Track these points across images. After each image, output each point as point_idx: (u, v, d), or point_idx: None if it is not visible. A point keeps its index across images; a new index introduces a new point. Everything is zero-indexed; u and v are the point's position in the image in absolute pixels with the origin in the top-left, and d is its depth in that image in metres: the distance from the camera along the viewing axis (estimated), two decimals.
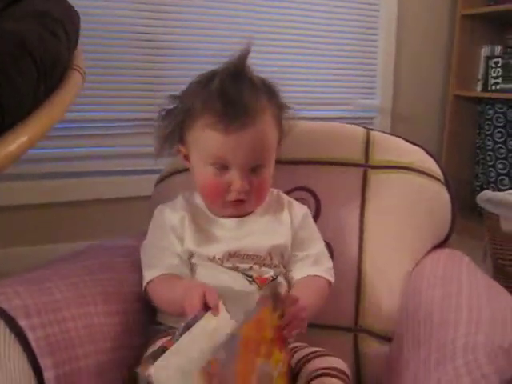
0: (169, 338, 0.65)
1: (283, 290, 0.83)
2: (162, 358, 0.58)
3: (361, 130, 1.08)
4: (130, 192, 1.95)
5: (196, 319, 0.64)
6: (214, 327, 0.64)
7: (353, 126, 1.11)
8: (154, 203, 0.98)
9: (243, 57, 0.81)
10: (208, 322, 0.64)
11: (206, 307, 0.68)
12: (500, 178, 2.51)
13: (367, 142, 1.06)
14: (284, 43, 2.26)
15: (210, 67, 0.85)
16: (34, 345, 0.65)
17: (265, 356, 0.65)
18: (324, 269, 0.90)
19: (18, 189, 1.82)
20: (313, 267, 0.89)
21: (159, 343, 0.71)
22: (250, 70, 0.82)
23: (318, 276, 0.88)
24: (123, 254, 0.92)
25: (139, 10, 1.97)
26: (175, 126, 0.86)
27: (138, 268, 0.88)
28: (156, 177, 1.14)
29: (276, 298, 0.69)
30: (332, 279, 0.89)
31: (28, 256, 1.61)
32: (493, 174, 2.54)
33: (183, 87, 0.88)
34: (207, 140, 0.80)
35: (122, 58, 1.97)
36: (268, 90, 0.85)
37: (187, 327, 0.62)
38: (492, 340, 0.60)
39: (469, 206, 2.36)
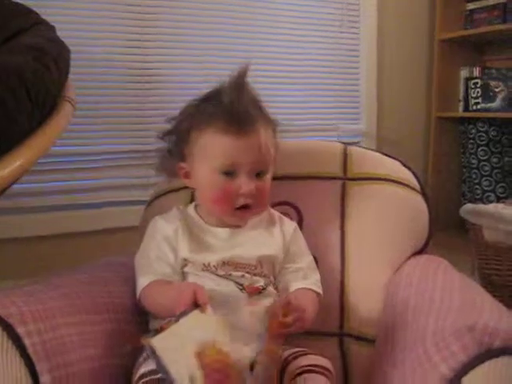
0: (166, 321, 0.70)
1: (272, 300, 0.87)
2: (161, 334, 0.66)
3: (338, 146, 1.13)
4: (121, 223, 1.95)
5: (185, 313, 0.69)
6: (201, 323, 0.69)
7: (330, 142, 1.17)
8: (145, 220, 1.03)
9: (243, 73, 0.88)
10: (195, 318, 0.69)
11: (196, 305, 0.72)
12: (486, 194, 2.57)
13: (345, 156, 1.10)
14: (270, 73, 2.32)
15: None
16: (30, 350, 0.68)
17: None
18: (313, 281, 0.94)
19: (5, 222, 1.84)
20: (304, 280, 0.93)
21: None
22: (251, 85, 0.89)
23: (308, 289, 0.92)
24: (114, 270, 0.96)
25: (128, 46, 2.03)
26: (175, 144, 0.92)
27: (128, 282, 0.92)
28: (143, 207, 1.17)
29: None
30: (321, 291, 0.93)
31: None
32: (479, 191, 2.60)
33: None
34: (219, 145, 0.85)
35: (109, 93, 2.01)
36: (263, 108, 0.92)
37: (178, 319, 0.68)
38: (459, 321, 0.64)
39: (456, 223, 2.40)
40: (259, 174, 0.88)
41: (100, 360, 0.78)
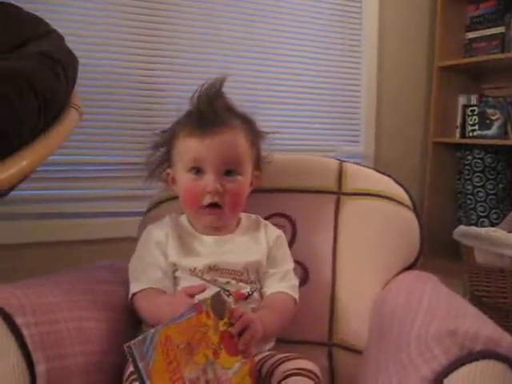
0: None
1: (231, 301, 0.87)
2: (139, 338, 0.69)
3: (334, 162, 1.15)
4: (115, 233, 1.97)
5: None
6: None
7: (326, 158, 1.19)
8: (143, 228, 1.06)
9: (219, 83, 0.95)
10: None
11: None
12: (481, 220, 2.60)
13: (340, 172, 1.13)
14: (270, 93, 2.36)
15: None
16: (28, 340, 0.70)
17: (208, 357, 0.72)
18: (289, 285, 0.96)
19: (10, 228, 1.86)
20: (280, 283, 0.96)
21: None
22: (225, 95, 0.96)
23: (284, 292, 0.95)
24: (111, 271, 0.99)
25: (133, 60, 2.06)
26: (164, 152, 0.99)
27: (124, 283, 0.95)
28: (139, 218, 1.20)
29: (219, 307, 0.76)
30: (296, 296, 0.96)
31: None
32: (474, 217, 2.63)
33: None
34: (186, 147, 0.92)
35: (110, 105, 2.04)
36: (243, 116, 0.96)
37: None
38: (442, 327, 0.66)
39: (451, 248, 2.41)
40: (229, 174, 0.91)
41: (95, 356, 0.80)
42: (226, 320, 0.76)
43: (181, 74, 2.17)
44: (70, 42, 1.33)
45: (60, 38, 1.27)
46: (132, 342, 0.67)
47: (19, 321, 0.71)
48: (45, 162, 1.78)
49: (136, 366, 0.67)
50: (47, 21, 1.36)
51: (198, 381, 0.69)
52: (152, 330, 0.69)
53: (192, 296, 0.78)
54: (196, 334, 0.72)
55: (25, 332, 0.71)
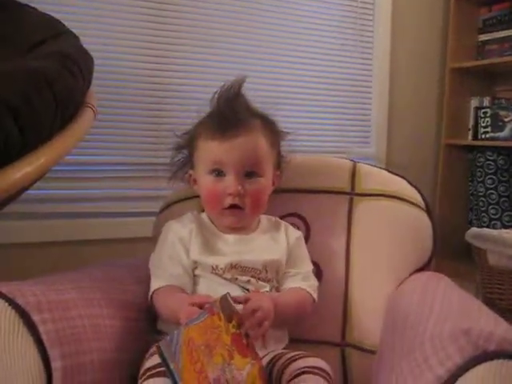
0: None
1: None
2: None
3: (348, 162, 1.16)
4: (131, 233, 1.99)
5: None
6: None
7: (340, 159, 1.20)
8: (158, 227, 1.07)
9: (238, 84, 0.95)
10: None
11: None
12: (493, 222, 2.58)
13: (353, 173, 1.13)
14: (282, 94, 2.35)
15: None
16: (44, 337, 0.71)
17: (224, 358, 0.72)
18: (310, 285, 0.97)
19: (23, 227, 1.87)
20: (301, 282, 0.97)
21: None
22: (244, 95, 0.96)
23: (304, 289, 0.96)
24: (128, 269, 1.00)
25: (148, 62, 2.06)
26: (185, 154, 1.01)
27: (140, 282, 0.96)
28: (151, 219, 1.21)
29: (227, 310, 0.77)
30: (315, 296, 0.97)
31: None
32: (485, 219, 2.61)
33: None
34: (207, 149, 0.93)
35: (127, 106, 2.05)
36: (263, 117, 0.97)
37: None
38: (456, 326, 0.66)
39: (463, 250, 2.40)
40: (250, 176, 0.92)
41: (110, 353, 0.81)
42: (233, 323, 0.77)
43: (195, 74, 2.17)
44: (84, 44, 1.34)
45: (75, 38, 1.28)
46: (160, 342, 0.68)
47: (35, 317, 0.72)
48: (61, 163, 1.84)
49: (168, 367, 0.67)
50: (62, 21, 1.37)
51: (219, 381, 0.70)
52: (176, 331, 0.70)
53: (198, 305, 0.78)
54: (212, 335, 0.73)
55: (41, 329, 0.71)
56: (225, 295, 0.78)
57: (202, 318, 0.73)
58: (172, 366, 0.67)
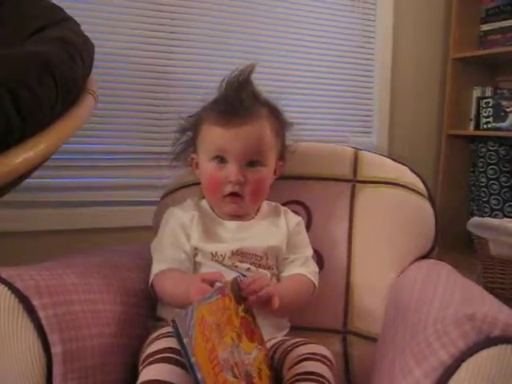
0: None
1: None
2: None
3: (349, 149, 1.15)
4: (132, 222, 1.99)
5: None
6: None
7: (342, 146, 1.19)
8: (158, 214, 1.07)
9: (248, 71, 0.94)
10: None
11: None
12: (494, 213, 2.57)
13: (355, 160, 1.13)
14: (283, 83, 2.34)
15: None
16: (44, 322, 0.70)
17: (234, 339, 0.72)
18: (310, 271, 0.97)
19: (22, 216, 1.88)
20: (301, 268, 0.96)
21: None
22: (253, 83, 0.95)
23: (304, 275, 0.95)
24: (128, 255, 1.00)
25: (149, 50, 2.06)
26: (189, 136, 1.00)
27: (140, 268, 0.95)
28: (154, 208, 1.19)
29: (237, 293, 0.76)
30: (316, 282, 0.96)
31: None
32: (487, 210, 2.60)
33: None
34: (211, 135, 0.92)
35: (128, 95, 2.04)
36: (270, 105, 0.96)
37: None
38: (459, 312, 0.65)
39: (464, 241, 2.40)
40: (252, 165, 0.92)
41: (110, 338, 0.80)
42: (242, 307, 0.76)
43: (198, 63, 2.16)
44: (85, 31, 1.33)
45: (76, 24, 1.27)
46: (175, 316, 0.66)
47: (35, 302, 0.71)
48: (66, 151, 1.84)
49: (181, 341, 0.65)
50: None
51: (228, 362, 0.69)
52: (190, 307, 0.68)
53: (209, 283, 0.77)
54: (223, 316, 0.72)
55: (41, 314, 0.71)
56: (236, 278, 0.78)
57: (215, 297, 0.72)
58: (186, 341, 0.65)
